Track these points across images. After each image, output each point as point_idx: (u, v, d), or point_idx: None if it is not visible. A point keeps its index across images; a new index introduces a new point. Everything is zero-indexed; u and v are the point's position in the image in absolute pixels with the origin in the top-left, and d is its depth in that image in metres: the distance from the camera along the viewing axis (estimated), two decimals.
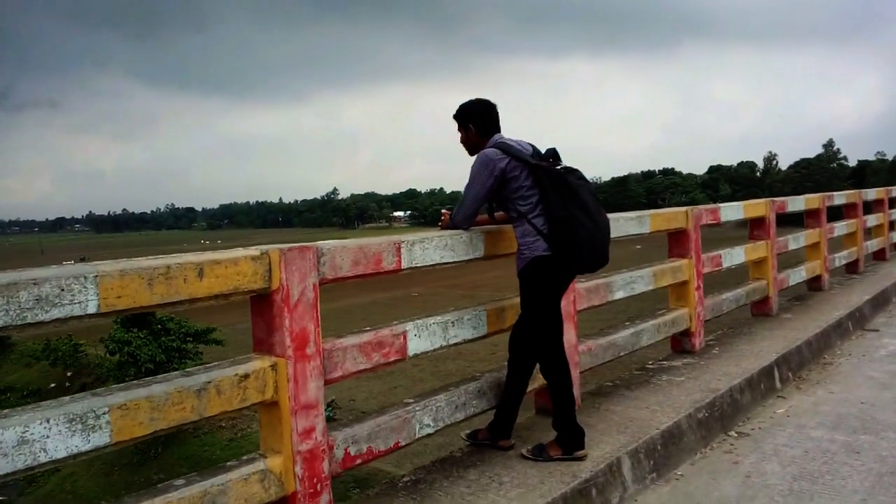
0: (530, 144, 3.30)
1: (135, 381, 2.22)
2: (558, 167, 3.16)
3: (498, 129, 3.31)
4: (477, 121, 3.28)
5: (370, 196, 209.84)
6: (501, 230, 3.41)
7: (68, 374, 33.98)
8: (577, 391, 3.87)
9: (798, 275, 6.96)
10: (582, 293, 4.00)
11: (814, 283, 7.44)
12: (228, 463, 2.48)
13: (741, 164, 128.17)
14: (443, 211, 3.44)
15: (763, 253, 6.14)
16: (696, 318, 5.08)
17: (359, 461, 2.78)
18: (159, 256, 2.25)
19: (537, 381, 3.58)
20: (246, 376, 2.40)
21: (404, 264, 2.96)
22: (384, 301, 42.03)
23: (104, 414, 2.05)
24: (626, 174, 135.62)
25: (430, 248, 3.08)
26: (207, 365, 2.41)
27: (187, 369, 2.37)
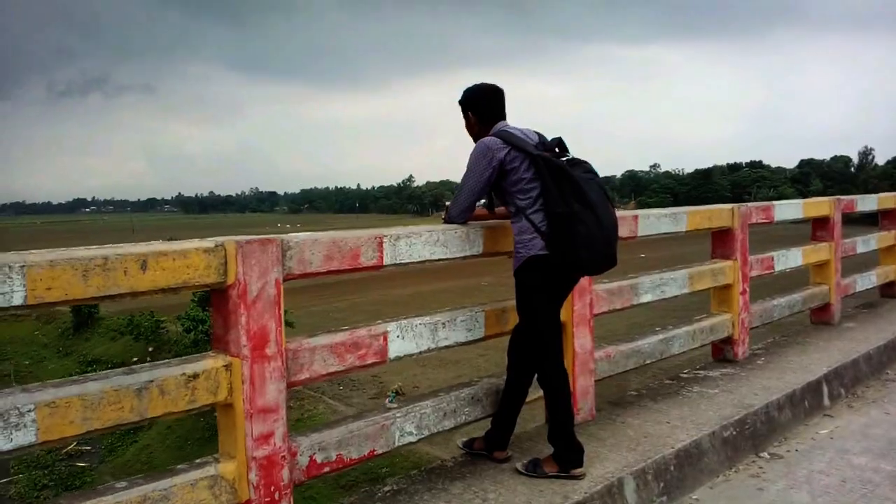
0: (537, 133, 3.04)
1: (70, 378, 2.12)
2: (564, 159, 2.89)
3: (502, 117, 3.06)
4: (476, 108, 3.05)
5: (445, 184, 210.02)
6: (504, 225, 3.16)
7: (150, 349, 35.47)
8: (590, 401, 3.61)
9: (867, 280, 6.37)
10: (602, 295, 3.71)
11: (887, 290, 6.80)
12: (179, 466, 2.35)
13: (834, 158, 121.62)
14: (446, 203, 3.22)
15: (825, 256, 5.63)
16: (740, 325, 4.67)
17: (326, 469, 2.61)
18: (105, 246, 2.13)
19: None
20: (195, 376, 2.26)
21: (387, 261, 2.76)
22: (455, 289, 41.99)
23: (29, 412, 1.94)
24: (710, 166, 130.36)
25: (419, 243, 2.87)
26: (155, 363, 2.29)
27: (132, 367, 2.25)
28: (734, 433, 3.56)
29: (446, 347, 3.03)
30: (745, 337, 4.75)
